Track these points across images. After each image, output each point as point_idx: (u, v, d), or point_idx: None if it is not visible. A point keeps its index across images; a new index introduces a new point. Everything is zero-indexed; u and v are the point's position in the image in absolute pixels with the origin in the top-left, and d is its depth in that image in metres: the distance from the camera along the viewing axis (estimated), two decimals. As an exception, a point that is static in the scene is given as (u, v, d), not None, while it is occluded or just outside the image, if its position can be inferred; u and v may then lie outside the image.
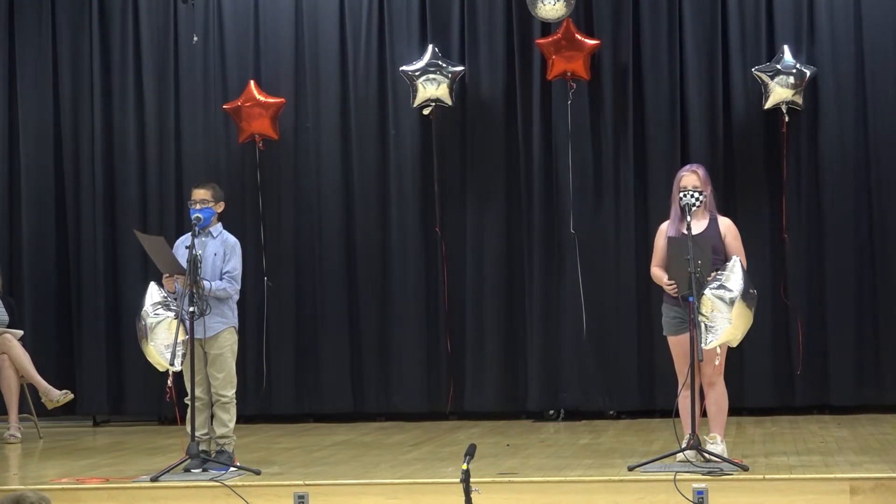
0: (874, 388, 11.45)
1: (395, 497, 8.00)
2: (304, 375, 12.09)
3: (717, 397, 8.46)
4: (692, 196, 8.38)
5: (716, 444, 8.32)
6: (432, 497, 7.90)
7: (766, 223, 11.56)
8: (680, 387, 8.34)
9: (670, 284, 8.35)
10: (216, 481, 8.20)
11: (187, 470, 8.55)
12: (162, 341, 8.47)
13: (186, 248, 8.61)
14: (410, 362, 11.96)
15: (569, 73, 11.45)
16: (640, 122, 11.78)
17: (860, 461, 8.45)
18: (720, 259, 8.36)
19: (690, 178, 8.45)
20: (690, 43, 11.71)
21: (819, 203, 11.55)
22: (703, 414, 8.46)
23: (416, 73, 11.63)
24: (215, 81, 12.29)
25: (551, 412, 11.84)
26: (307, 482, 8.14)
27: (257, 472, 8.46)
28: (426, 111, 11.72)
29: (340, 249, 12.10)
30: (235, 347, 8.96)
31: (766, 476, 7.88)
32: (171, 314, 8.49)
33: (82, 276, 12.32)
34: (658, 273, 8.57)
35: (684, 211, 8.37)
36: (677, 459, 8.19)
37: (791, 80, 11.22)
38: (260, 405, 12.02)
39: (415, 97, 11.68)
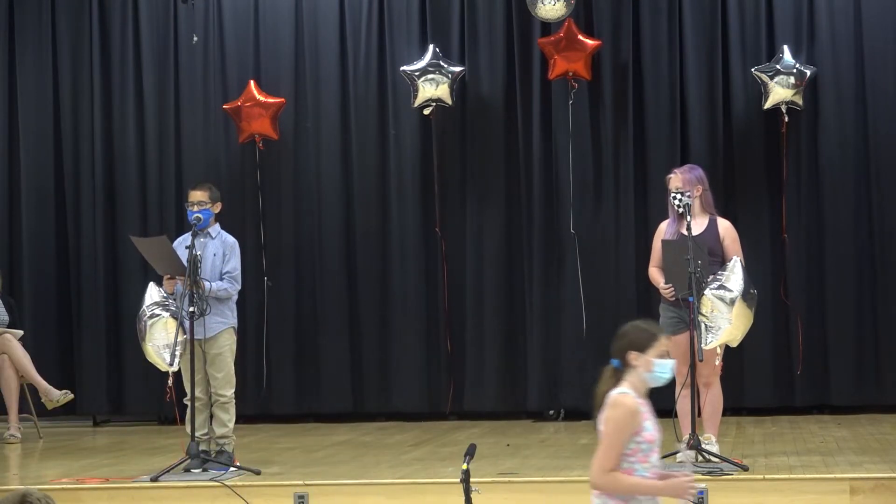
0: (874, 388, 11.45)
1: (395, 497, 8.00)
2: (304, 375, 12.08)
3: (713, 398, 8.48)
4: (673, 198, 8.43)
5: (710, 445, 8.33)
6: (432, 497, 7.90)
7: (766, 223, 11.56)
8: (679, 387, 8.35)
9: (667, 288, 8.37)
10: (216, 481, 8.20)
11: (187, 470, 8.55)
12: (159, 341, 8.48)
13: (186, 248, 8.62)
14: (410, 362, 11.95)
15: (570, 73, 11.46)
16: (640, 122, 11.78)
17: (860, 461, 8.45)
18: (717, 261, 8.38)
19: (673, 181, 8.59)
20: (690, 43, 11.71)
21: (819, 203, 11.55)
22: (700, 414, 8.47)
23: (417, 73, 11.63)
24: (215, 81, 12.29)
25: (551, 412, 11.84)
26: (307, 482, 8.15)
27: (257, 472, 8.47)
28: (426, 111, 11.72)
29: (340, 249, 12.10)
30: (234, 347, 8.98)
31: (766, 476, 7.88)
32: (168, 314, 8.50)
33: (82, 275, 12.32)
34: (656, 275, 8.59)
35: (676, 213, 8.44)
36: (677, 459, 8.19)
37: (791, 80, 11.22)
38: (260, 405, 12.01)
39: (415, 97, 11.68)
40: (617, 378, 5.43)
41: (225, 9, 12.32)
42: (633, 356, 5.42)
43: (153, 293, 8.66)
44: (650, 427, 5.31)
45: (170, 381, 8.54)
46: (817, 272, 11.55)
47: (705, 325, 8.06)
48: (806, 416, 11.39)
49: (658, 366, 5.42)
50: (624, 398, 5.31)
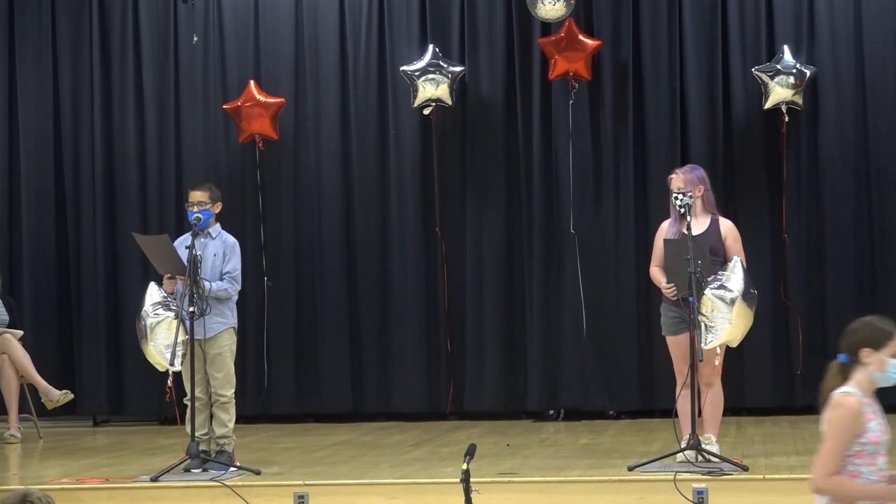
0: (874, 388, 11.44)
1: (395, 497, 8.00)
2: (304, 375, 12.08)
3: (714, 398, 8.47)
4: (675, 198, 8.43)
5: (711, 445, 8.33)
6: (432, 497, 7.90)
7: (766, 223, 11.56)
8: (679, 387, 8.35)
9: (669, 288, 8.36)
10: (216, 481, 8.20)
11: (187, 470, 8.55)
12: (162, 341, 8.48)
13: (187, 248, 8.62)
14: (410, 362, 11.96)
15: (571, 73, 11.46)
16: (640, 122, 11.78)
17: (860, 461, 8.44)
18: (719, 261, 8.38)
19: (675, 181, 8.58)
20: (690, 43, 11.72)
21: (819, 203, 11.55)
22: (701, 414, 8.47)
23: (417, 73, 11.63)
24: (215, 81, 12.29)
25: (551, 412, 11.84)
26: (307, 482, 8.15)
27: (257, 472, 8.47)
28: (426, 111, 11.72)
29: (340, 249, 12.10)
30: (234, 347, 8.98)
31: (766, 476, 7.88)
32: (171, 314, 8.50)
33: (82, 275, 12.32)
34: (657, 275, 8.58)
35: (678, 213, 8.44)
36: (677, 459, 8.19)
37: (791, 80, 11.22)
38: (260, 405, 12.01)
39: (415, 97, 11.68)
40: (844, 375, 5.16)
41: (225, 9, 12.32)
42: (866, 353, 5.13)
43: (154, 293, 8.65)
44: (875, 428, 5.12)
45: (170, 381, 8.55)
46: (817, 272, 11.55)
47: (705, 324, 8.05)
48: (806, 416, 11.37)
49: (892, 365, 5.13)
50: (846, 398, 5.09)
